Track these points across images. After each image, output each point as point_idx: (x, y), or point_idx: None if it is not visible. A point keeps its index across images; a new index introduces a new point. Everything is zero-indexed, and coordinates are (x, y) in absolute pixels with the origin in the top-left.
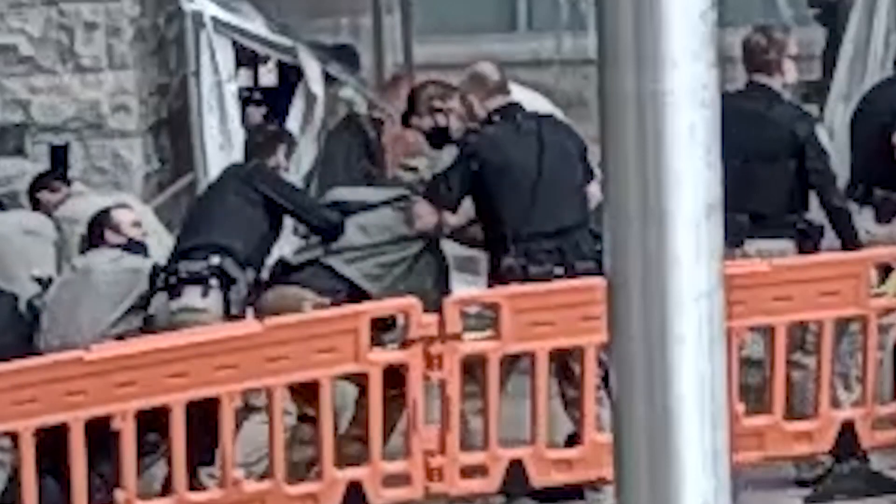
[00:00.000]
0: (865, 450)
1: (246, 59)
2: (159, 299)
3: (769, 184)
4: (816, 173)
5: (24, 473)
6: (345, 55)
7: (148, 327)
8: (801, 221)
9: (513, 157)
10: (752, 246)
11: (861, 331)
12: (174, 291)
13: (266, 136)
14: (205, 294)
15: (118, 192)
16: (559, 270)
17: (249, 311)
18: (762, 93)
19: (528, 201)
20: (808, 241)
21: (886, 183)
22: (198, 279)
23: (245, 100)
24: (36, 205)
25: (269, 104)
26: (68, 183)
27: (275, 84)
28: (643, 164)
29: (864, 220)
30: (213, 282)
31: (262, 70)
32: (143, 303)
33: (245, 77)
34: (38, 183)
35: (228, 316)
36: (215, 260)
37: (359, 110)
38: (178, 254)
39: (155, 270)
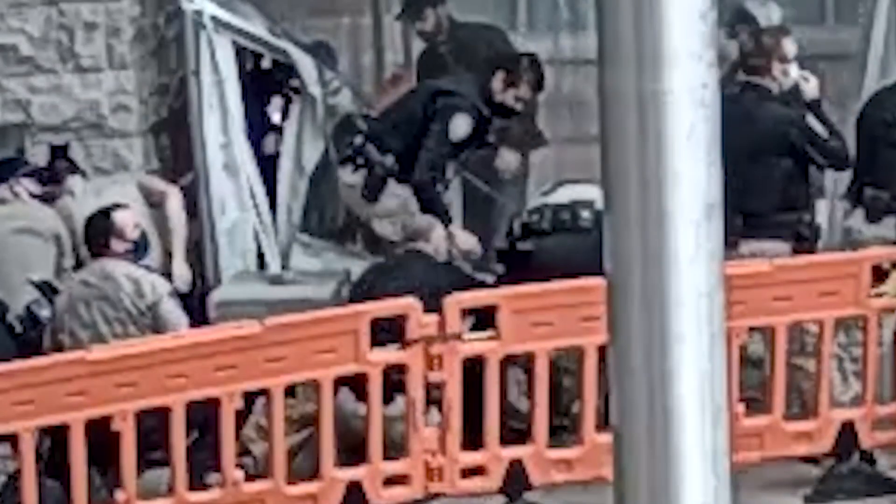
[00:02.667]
0: (867, 450)
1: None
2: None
3: (761, 183)
4: (823, 156)
5: (25, 473)
6: (321, 53)
7: None
8: (798, 222)
9: None
10: (746, 247)
11: (861, 331)
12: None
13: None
14: (354, 171)
15: (114, 181)
16: None
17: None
18: (753, 93)
19: None
20: (803, 242)
21: (879, 182)
22: (349, 156)
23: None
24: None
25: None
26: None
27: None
28: (643, 164)
29: (854, 219)
30: (360, 161)
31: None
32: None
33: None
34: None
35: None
36: (358, 140)
37: (354, 113)
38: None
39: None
